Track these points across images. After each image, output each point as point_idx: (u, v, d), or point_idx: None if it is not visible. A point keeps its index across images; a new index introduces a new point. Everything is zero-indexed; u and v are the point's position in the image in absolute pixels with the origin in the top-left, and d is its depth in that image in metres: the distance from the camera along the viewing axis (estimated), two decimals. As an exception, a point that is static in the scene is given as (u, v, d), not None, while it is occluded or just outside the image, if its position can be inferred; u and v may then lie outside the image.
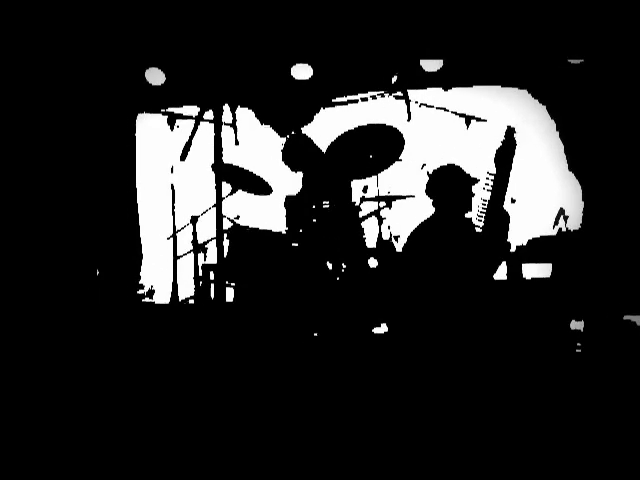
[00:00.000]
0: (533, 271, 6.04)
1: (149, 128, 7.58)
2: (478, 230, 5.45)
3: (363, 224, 6.39)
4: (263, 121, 7.51)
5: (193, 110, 6.76)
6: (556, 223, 6.41)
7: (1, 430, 4.59)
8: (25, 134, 6.54)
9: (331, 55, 7.13)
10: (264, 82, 7.39)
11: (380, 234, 6.37)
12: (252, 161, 6.86)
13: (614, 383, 4.93)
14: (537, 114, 7.18)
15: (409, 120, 6.75)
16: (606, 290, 5.87)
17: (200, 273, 6.65)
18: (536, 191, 6.97)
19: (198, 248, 6.79)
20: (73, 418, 4.74)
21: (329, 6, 6.68)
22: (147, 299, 7.04)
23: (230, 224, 6.45)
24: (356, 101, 7.11)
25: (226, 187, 6.65)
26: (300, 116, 7.42)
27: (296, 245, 6.26)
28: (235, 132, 6.76)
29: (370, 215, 6.45)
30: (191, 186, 7.15)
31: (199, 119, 6.08)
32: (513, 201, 6.45)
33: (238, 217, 6.69)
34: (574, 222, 6.53)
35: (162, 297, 7.01)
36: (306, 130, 7.10)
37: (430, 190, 5.74)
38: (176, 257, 6.91)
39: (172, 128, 6.74)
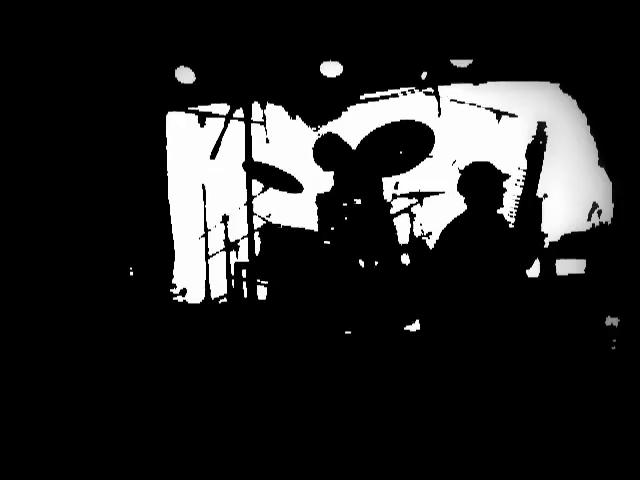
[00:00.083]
0: (567, 267, 6.01)
1: (179, 127, 7.60)
2: (511, 226, 5.43)
3: (395, 221, 6.38)
4: (292, 113, 7.50)
5: (223, 108, 6.78)
6: (589, 218, 6.36)
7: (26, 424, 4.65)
8: (59, 133, 6.57)
9: (361, 51, 7.11)
10: (293, 80, 7.39)
11: (412, 231, 6.36)
12: (283, 159, 6.87)
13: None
14: (568, 109, 7.13)
15: (439, 116, 6.73)
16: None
17: (232, 272, 6.66)
18: (568, 186, 6.92)
19: (230, 247, 6.81)
20: (103, 415, 4.78)
21: (358, 3, 6.67)
22: (180, 298, 7.07)
23: (261, 222, 6.46)
24: (386, 97, 7.10)
25: (257, 185, 6.66)
26: (330, 111, 7.41)
27: (328, 243, 6.26)
28: (265, 130, 6.77)
29: (401, 212, 6.43)
30: (222, 185, 7.17)
31: (229, 117, 6.08)
32: (545, 196, 6.43)
33: (269, 215, 6.69)
34: (608, 216, 6.49)
35: (195, 296, 7.04)
36: (337, 127, 7.11)
37: (461, 187, 5.71)
38: (208, 256, 6.94)
39: (202, 126, 6.78)
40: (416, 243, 6.25)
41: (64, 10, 6.42)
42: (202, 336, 5.75)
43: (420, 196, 6.44)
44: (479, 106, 6.73)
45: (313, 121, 7.41)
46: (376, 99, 7.23)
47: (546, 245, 5.68)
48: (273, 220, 6.58)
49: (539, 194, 5.43)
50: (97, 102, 6.88)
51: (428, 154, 6.36)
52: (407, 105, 6.95)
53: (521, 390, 4.81)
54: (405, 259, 6.19)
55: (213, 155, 6.02)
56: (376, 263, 6.12)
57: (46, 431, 4.66)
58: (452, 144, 6.67)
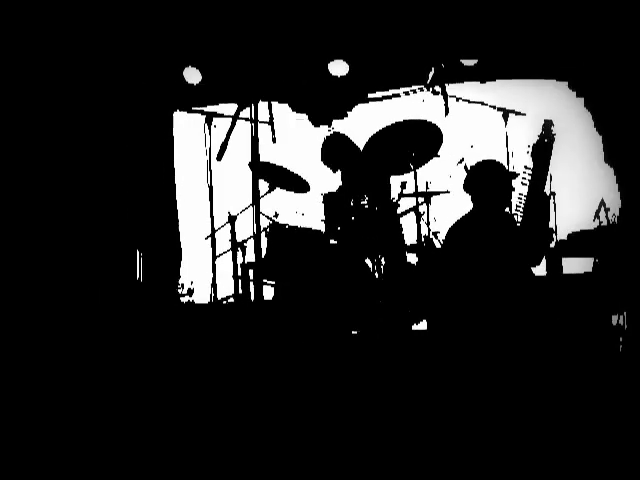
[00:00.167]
0: (574, 266, 5.99)
1: (186, 127, 7.61)
2: (518, 225, 5.41)
3: (402, 220, 6.37)
4: (298, 110, 7.50)
5: (230, 108, 6.78)
6: (597, 215, 6.35)
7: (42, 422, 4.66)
8: (66, 133, 6.58)
9: (368, 50, 7.11)
10: (301, 79, 7.38)
11: (419, 230, 6.35)
12: (289, 159, 6.86)
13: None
14: (574, 107, 7.11)
15: (447, 115, 6.71)
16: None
17: (239, 272, 6.66)
18: (575, 184, 6.91)
19: (237, 247, 6.81)
20: (110, 415, 4.79)
21: (365, 2, 6.67)
22: (187, 298, 7.08)
23: (268, 222, 6.46)
24: (393, 96, 7.09)
25: (264, 185, 6.67)
26: (336, 110, 7.41)
27: (335, 242, 6.25)
28: (272, 130, 6.76)
29: (409, 211, 6.42)
30: (229, 185, 7.17)
31: (236, 117, 6.08)
32: (553, 194, 6.41)
33: (276, 215, 6.69)
34: (615, 214, 6.48)
35: (201, 296, 7.05)
36: (344, 127, 7.10)
37: (469, 186, 5.70)
38: (215, 256, 6.94)
39: (209, 126, 6.78)
40: (423, 242, 6.24)
41: (73, 10, 6.44)
42: (209, 336, 5.75)
43: (427, 195, 6.43)
44: (486, 105, 6.70)
45: (320, 120, 7.40)
46: (383, 98, 7.22)
47: (553, 243, 5.67)
48: (280, 220, 6.58)
49: (546, 192, 5.42)
50: (105, 102, 6.89)
51: (436, 153, 6.35)
52: (414, 104, 6.93)
53: (528, 388, 4.80)
54: (412, 258, 6.19)
55: (220, 157, 6.01)
56: (383, 262, 6.12)
57: (52, 431, 4.67)
58: (459, 143, 6.65)
